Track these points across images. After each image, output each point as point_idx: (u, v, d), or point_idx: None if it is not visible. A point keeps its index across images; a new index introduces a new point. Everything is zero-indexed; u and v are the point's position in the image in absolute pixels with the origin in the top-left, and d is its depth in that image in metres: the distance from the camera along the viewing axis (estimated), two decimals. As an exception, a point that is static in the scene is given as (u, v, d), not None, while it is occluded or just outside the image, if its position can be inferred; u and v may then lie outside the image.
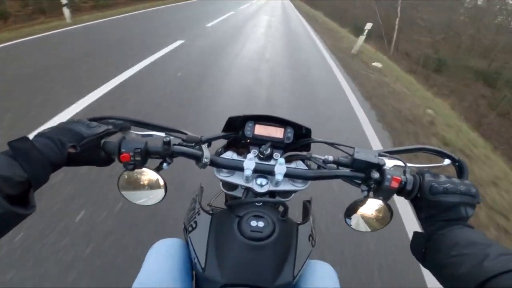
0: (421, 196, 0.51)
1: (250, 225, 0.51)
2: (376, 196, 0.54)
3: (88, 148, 0.50)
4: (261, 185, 0.59)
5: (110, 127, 0.55)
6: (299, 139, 0.65)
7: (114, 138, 0.55)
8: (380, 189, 0.52)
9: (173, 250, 0.64)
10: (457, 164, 0.59)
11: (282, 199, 0.68)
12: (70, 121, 0.52)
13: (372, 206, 0.56)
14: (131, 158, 0.51)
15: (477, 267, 0.38)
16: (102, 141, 0.53)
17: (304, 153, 0.63)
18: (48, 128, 0.49)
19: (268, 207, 0.57)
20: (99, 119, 0.57)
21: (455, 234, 0.46)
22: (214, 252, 0.53)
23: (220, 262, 0.52)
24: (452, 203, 0.49)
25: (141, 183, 0.57)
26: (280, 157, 0.61)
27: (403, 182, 0.52)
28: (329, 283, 0.62)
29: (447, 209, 0.49)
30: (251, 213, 0.54)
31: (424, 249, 0.49)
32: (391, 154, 0.60)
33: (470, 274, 0.39)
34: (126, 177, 0.55)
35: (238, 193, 0.69)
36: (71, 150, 0.47)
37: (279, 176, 0.56)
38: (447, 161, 0.60)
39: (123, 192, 0.57)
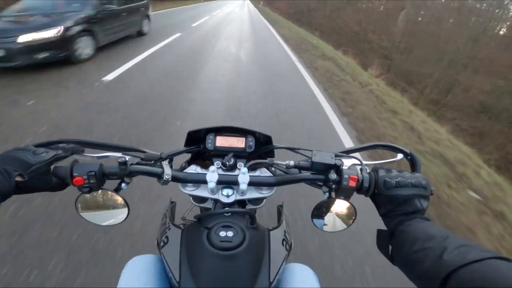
0: (378, 192, 0.54)
1: (219, 236, 0.52)
2: (337, 196, 0.56)
3: (36, 175, 0.48)
4: (227, 196, 0.60)
5: (60, 151, 0.52)
6: (261, 147, 0.66)
7: (66, 162, 0.53)
8: (340, 189, 0.54)
9: (148, 266, 0.63)
10: (409, 157, 0.63)
11: (253, 206, 0.70)
12: (15, 149, 0.50)
13: (336, 206, 0.58)
14: (86, 182, 0.50)
15: (437, 261, 0.39)
16: (52, 166, 0.51)
17: (266, 160, 0.64)
18: None
19: (237, 217, 0.57)
20: (47, 144, 0.55)
21: (414, 228, 0.47)
22: (187, 265, 0.53)
23: (194, 274, 0.52)
24: (406, 196, 0.51)
25: (101, 204, 0.55)
26: (244, 166, 0.61)
27: (360, 180, 0.54)
28: (308, 285, 0.63)
29: (402, 203, 0.51)
30: (219, 223, 0.54)
31: (390, 246, 0.50)
32: (348, 153, 0.62)
33: (433, 269, 0.39)
34: (83, 199, 0.54)
35: (209, 204, 0.69)
36: (18, 179, 0.46)
37: (243, 186, 0.57)
38: (400, 156, 0.64)
39: (83, 214, 0.55)
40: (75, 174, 0.50)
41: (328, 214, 0.59)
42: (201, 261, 0.52)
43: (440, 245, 0.41)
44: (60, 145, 0.56)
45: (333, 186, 0.56)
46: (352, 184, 0.53)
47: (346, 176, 0.53)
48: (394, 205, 0.52)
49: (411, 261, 0.44)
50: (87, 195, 0.53)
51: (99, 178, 0.51)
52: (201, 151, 0.65)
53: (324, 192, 0.58)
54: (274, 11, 26.60)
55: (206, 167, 0.64)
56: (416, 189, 0.51)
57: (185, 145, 0.66)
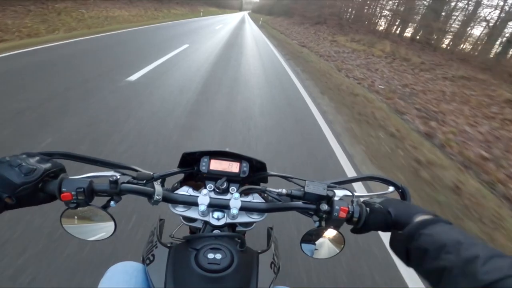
0: (372, 210, 0.54)
1: (207, 258, 0.51)
2: (327, 225, 0.57)
3: (24, 195, 0.47)
4: (217, 219, 0.59)
5: (49, 166, 0.51)
6: (255, 173, 0.66)
7: (56, 177, 0.51)
8: (330, 219, 0.55)
9: (131, 275, 0.60)
10: (400, 190, 0.64)
11: (243, 228, 0.69)
12: (2, 162, 0.47)
13: (326, 234, 0.58)
14: (73, 197, 0.49)
15: (471, 270, 0.36)
16: (41, 184, 0.49)
17: (259, 186, 0.65)
18: None
19: (226, 239, 0.56)
20: (37, 155, 0.53)
21: (437, 231, 0.43)
22: (172, 285, 0.52)
23: None
24: (400, 200, 0.53)
25: (88, 219, 0.54)
26: (236, 191, 0.61)
27: (350, 212, 0.55)
28: None
29: (401, 201, 0.52)
30: (208, 245, 0.53)
31: (407, 249, 0.46)
32: (340, 184, 0.63)
33: (465, 279, 0.36)
34: (70, 213, 0.52)
35: (199, 224, 0.68)
36: (7, 201, 0.45)
37: (234, 210, 0.57)
38: (391, 188, 0.65)
39: (67, 228, 0.53)
40: (63, 189, 0.49)
41: (317, 241, 0.59)
42: (187, 282, 0.50)
43: (471, 253, 0.38)
44: (50, 159, 0.54)
45: (324, 216, 0.56)
46: (343, 215, 0.54)
47: (337, 207, 0.54)
48: (395, 203, 0.52)
49: (437, 268, 0.40)
50: (73, 210, 0.51)
51: (88, 195, 0.50)
52: (194, 173, 0.65)
53: (315, 221, 0.58)
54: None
55: (198, 188, 0.64)
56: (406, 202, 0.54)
57: (179, 166, 0.65)
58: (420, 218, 0.48)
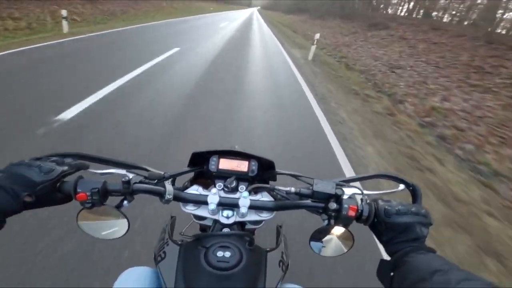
0: (378, 220, 0.55)
1: (216, 256, 0.52)
2: (336, 223, 0.56)
3: (43, 193, 0.49)
4: (227, 217, 0.60)
5: (66, 168, 0.53)
6: (263, 171, 0.66)
7: (71, 177, 0.54)
8: (339, 218, 0.55)
9: (143, 279, 0.62)
10: (411, 188, 0.63)
11: (253, 226, 0.70)
12: (20, 164, 0.50)
13: (334, 232, 0.58)
14: (88, 198, 0.51)
15: None
16: (58, 184, 0.51)
17: (268, 185, 0.65)
18: None
19: (236, 237, 0.57)
20: (54, 156, 0.55)
21: (418, 260, 0.47)
22: (183, 282, 0.53)
23: None
24: (407, 223, 0.52)
25: (102, 218, 0.56)
26: (245, 189, 0.62)
27: (359, 210, 0.55)
28: None
29: (404, 230, 0.52)
30: (217, 244, 0.54)
31: (392, 276, 0.50)
32: (349, 182, 0.63)
33: None
34: (85, 213, 0.54)
35: (209, 222, 0.69)
36: (27, 199, 0.47)
37: (243, 209, 0.58)
38: (401, 186, 0.64)
39: (83, 227, 0.55)
40: (78, 190, 0.51)
41: (326, 239, 0.59)
42: (197, 280, 0.52)
43: (443, 278, 0.40)
44: (66, 160, 0.56)
45: (333, 215, 0.56)
46: (352, 213, 0.54)
47: (346, 205, 0.54)
48: (396, 232, 0.52)
49: None
50: (88, 210, 0.53)
51: (102, 195, 0.52)
52: (204, 172, 0.66)
53: (323, 220, 0.59)
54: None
55: (208, 186, 0.65)
56: (416, 216, 0.52)
57: (189, 165, 0.67)
58: (407, 246, 0.51)
